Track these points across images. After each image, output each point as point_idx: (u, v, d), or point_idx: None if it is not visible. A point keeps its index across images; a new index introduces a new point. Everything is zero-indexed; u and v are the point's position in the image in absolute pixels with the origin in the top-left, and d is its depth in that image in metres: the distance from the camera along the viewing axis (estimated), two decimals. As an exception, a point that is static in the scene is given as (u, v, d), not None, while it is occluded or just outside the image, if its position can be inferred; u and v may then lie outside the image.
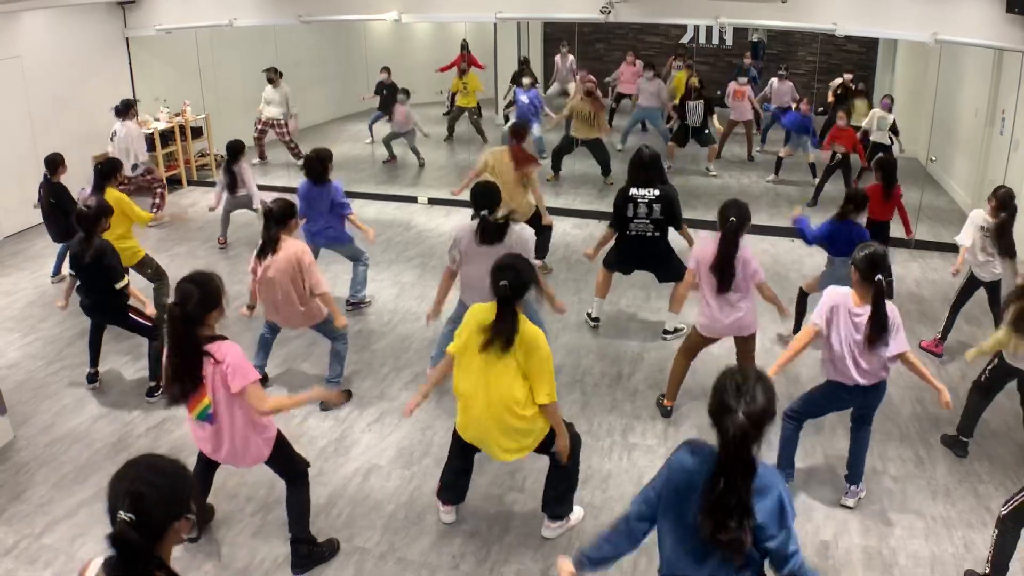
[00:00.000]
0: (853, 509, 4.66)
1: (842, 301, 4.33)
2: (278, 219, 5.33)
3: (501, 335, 3.85)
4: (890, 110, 10.10)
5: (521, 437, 4.03)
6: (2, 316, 7.36)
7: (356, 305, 7.40)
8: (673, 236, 6.51)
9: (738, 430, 2.45)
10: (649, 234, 6.36)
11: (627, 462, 5.12)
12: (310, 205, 6.84)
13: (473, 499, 4.68)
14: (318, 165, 6.77)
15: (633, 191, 6.30)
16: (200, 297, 3.65)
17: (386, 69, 12.48)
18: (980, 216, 6.13)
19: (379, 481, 4.96)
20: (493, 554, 4.33)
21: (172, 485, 2.19)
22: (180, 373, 3.70)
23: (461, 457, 4.43)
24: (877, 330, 4.21)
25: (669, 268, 6.59)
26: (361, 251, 7.30)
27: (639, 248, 6.46)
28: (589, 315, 7.00)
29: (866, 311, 4.24)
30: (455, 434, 4.35)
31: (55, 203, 7.46)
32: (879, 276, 4.20)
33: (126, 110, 9.33)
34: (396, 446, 5.31)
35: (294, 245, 5.34)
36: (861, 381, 4.35)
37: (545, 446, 4.17)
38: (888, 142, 10.12)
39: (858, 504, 4.69)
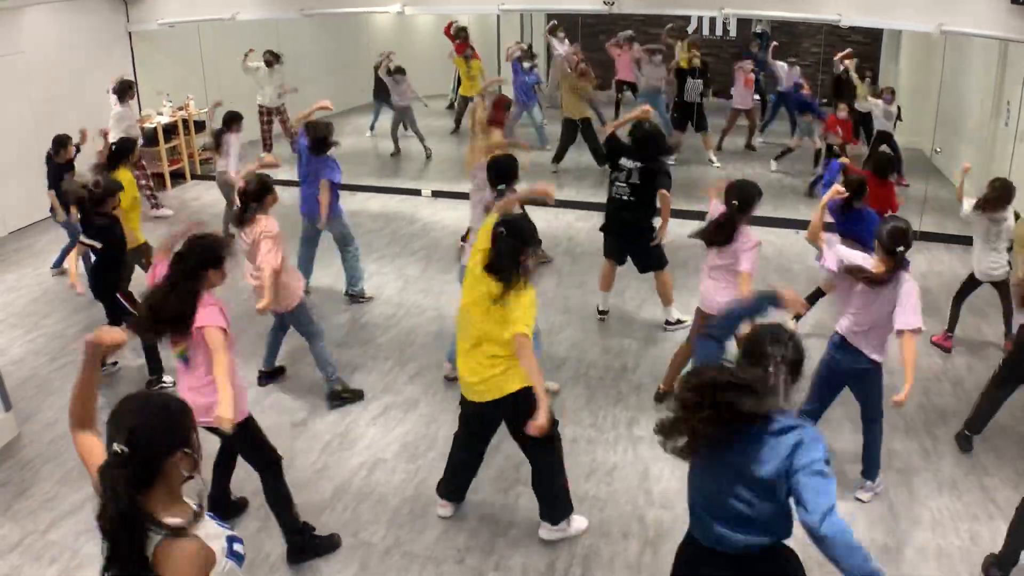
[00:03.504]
0: (864, 503, 4.65)
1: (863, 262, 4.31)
2: (253, 197, 5.27)
3: (492, 268, 3.90)
4: (892, 101, 10.10)
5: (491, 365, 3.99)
6: (6, 312, 7.37)
7: (355, 298, 7.36)
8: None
9: (777, 370, 2.59)
10: (625, 198, 6.30)
11: (632, 455, 5.11)
12: (305, 172, 6.91)
13: (478, 493, 4.69)
14: (319, 133, 6.75)
15: (623, 160, 6.29)
16: (201, 251, 3.80)
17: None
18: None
19: (384, 475, 4.96)
20: (498, 548, 4.33)
21: (167, 417, 2.17)
22: (167, 312, 3.75)
23: (466, 448, 4.43)
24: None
25: (650, 255, 6.53)
26: (351, 235, 7.17)
27: (618, 213, 6.42)
28: (598, 308, 6.99)
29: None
30: (461, 419, 4.36)
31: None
32: (900, 247, 4.16)
33: (124, 92, 9.38)
34: (401, 440, 5.31)
35: (265, 221, 5.27)
36: (846, 335, 4.38)
37: (518, 421, 4.05)
38: (891, 130, 10.13)
39: (872, 499, 4.67)
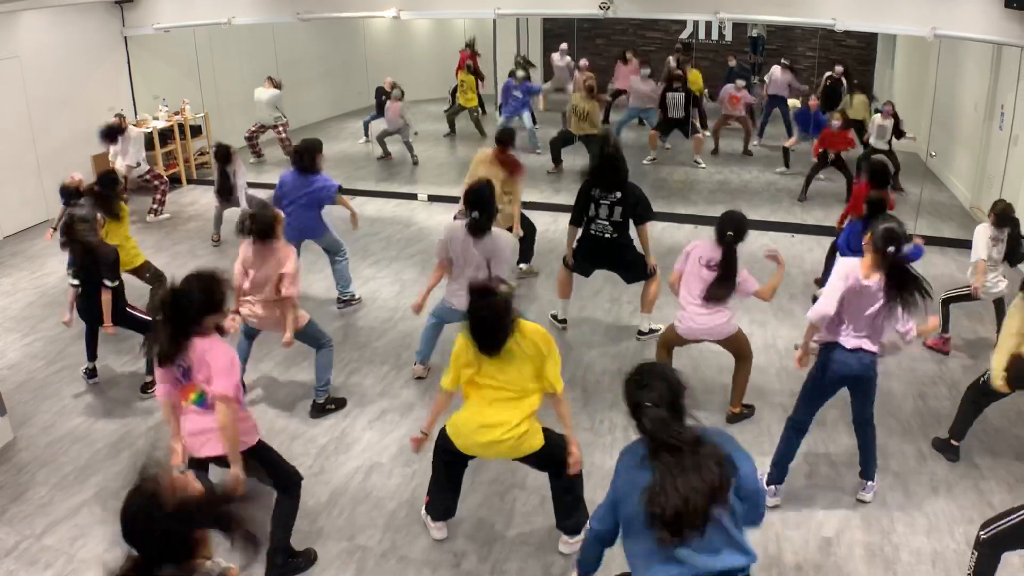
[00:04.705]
0: (865, 504, 4.65)
1: (851, 273, 4.29)
2: (259, 234, 5.16)
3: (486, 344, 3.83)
4: (890, 115, 10.07)
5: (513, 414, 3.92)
6: (2, 316, 7.36)
7: (346, 303, 7.32)
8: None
9: (655, 419, 2.70)
10: (607, 236, 6.21)
11: (628, 459, 5.11)
12: (286, 195, 6.81)
13: (475, 497, 4.68)
14: (307, 155, 6.73)
15: (595, 191, 6.17)
16: (201, 299, 3.64)
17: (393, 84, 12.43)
18: (986, 229, 6.09)
19: (380, 479, 4.95)
20: (495, 552, 4.33)
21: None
22: (169, 354, 3.67)
23: (446, 474, 4.32)
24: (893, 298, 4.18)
25: (633, 268, 6.46)
26: (340, 243, 7.13)
27: (597, 249, 6.34)
28: (555, 316, 6.87)
29: (875, 282, 4.19)
30: (437, 450, 4.25)
31: None
32: (891, 248, 4.15)
33: (112, 133, 9.42)
34: (397, 444, 5.31)
35: (287, 249, 5.28)
36: (855, 344, 4.32)
37: (542, 460, 4.10)
38: (887, 147, 10.02)
39: (872, 498, 4.68)
